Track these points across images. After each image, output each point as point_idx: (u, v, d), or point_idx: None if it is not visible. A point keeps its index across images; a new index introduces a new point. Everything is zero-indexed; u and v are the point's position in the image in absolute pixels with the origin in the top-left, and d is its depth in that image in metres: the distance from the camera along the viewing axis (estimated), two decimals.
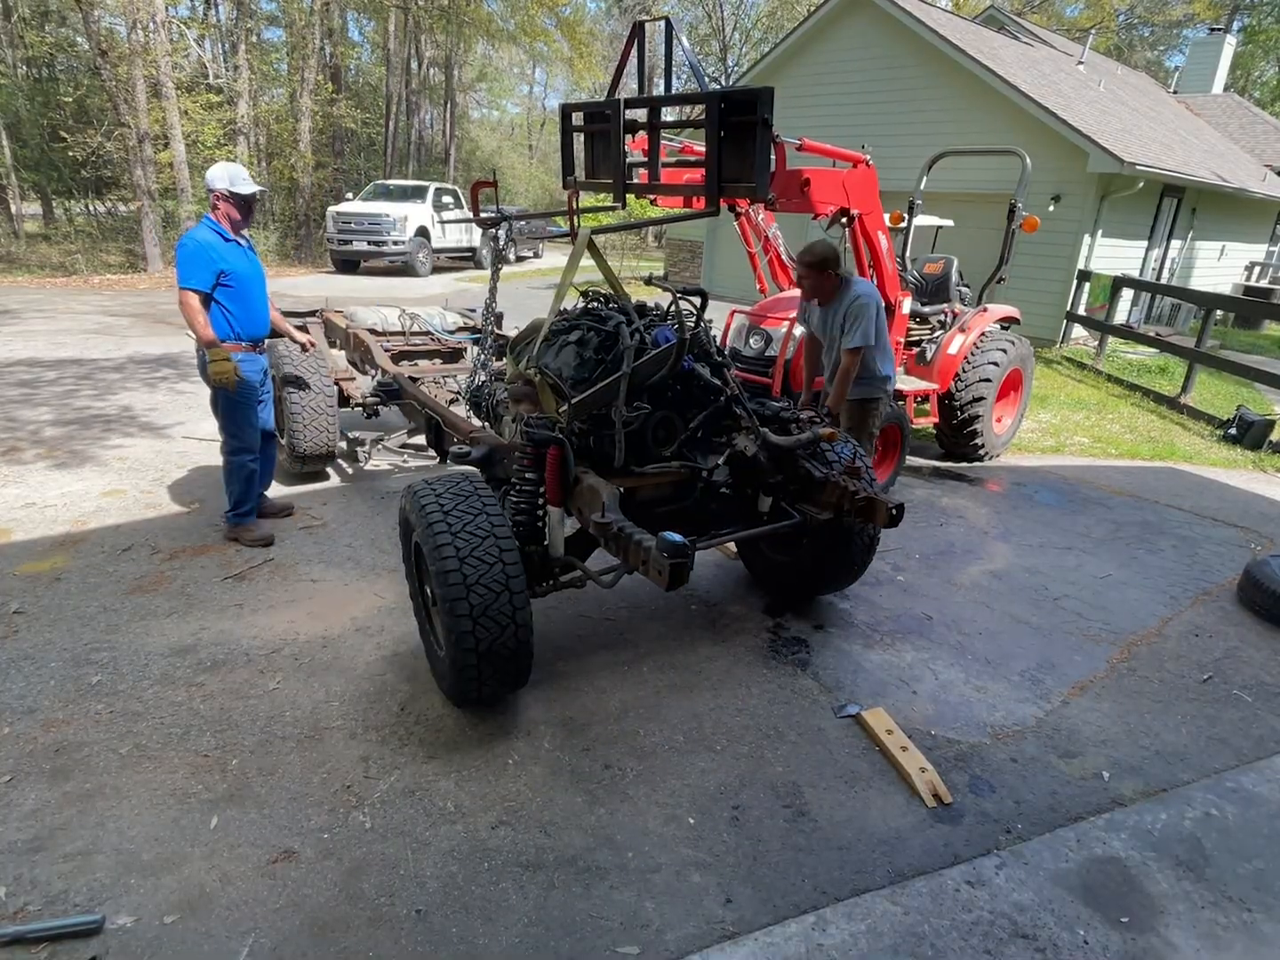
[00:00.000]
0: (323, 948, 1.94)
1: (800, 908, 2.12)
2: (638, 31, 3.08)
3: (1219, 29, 21.89)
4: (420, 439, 4.76)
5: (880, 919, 2.10)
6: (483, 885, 2.13)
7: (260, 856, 2.18)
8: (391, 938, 1.97)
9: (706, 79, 2.99)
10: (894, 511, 2.85)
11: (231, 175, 3.65)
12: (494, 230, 3.78)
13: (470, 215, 4.40)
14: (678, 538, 2.31)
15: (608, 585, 2.75)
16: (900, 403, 5.34)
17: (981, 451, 5.92)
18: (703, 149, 3.00)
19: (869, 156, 4.50)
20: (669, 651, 3.29)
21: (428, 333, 5.69)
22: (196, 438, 5.60)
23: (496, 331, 4.48)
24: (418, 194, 16.84)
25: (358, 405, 4.73)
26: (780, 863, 2.27)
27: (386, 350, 5.16)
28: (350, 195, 18.03)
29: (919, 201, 6.39)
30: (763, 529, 3.24)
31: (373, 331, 5.49)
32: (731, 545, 4.09)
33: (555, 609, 3.55)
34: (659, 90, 3.37)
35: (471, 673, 2.56)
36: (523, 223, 21.84)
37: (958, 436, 5.86)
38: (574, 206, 3.59)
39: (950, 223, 7.18)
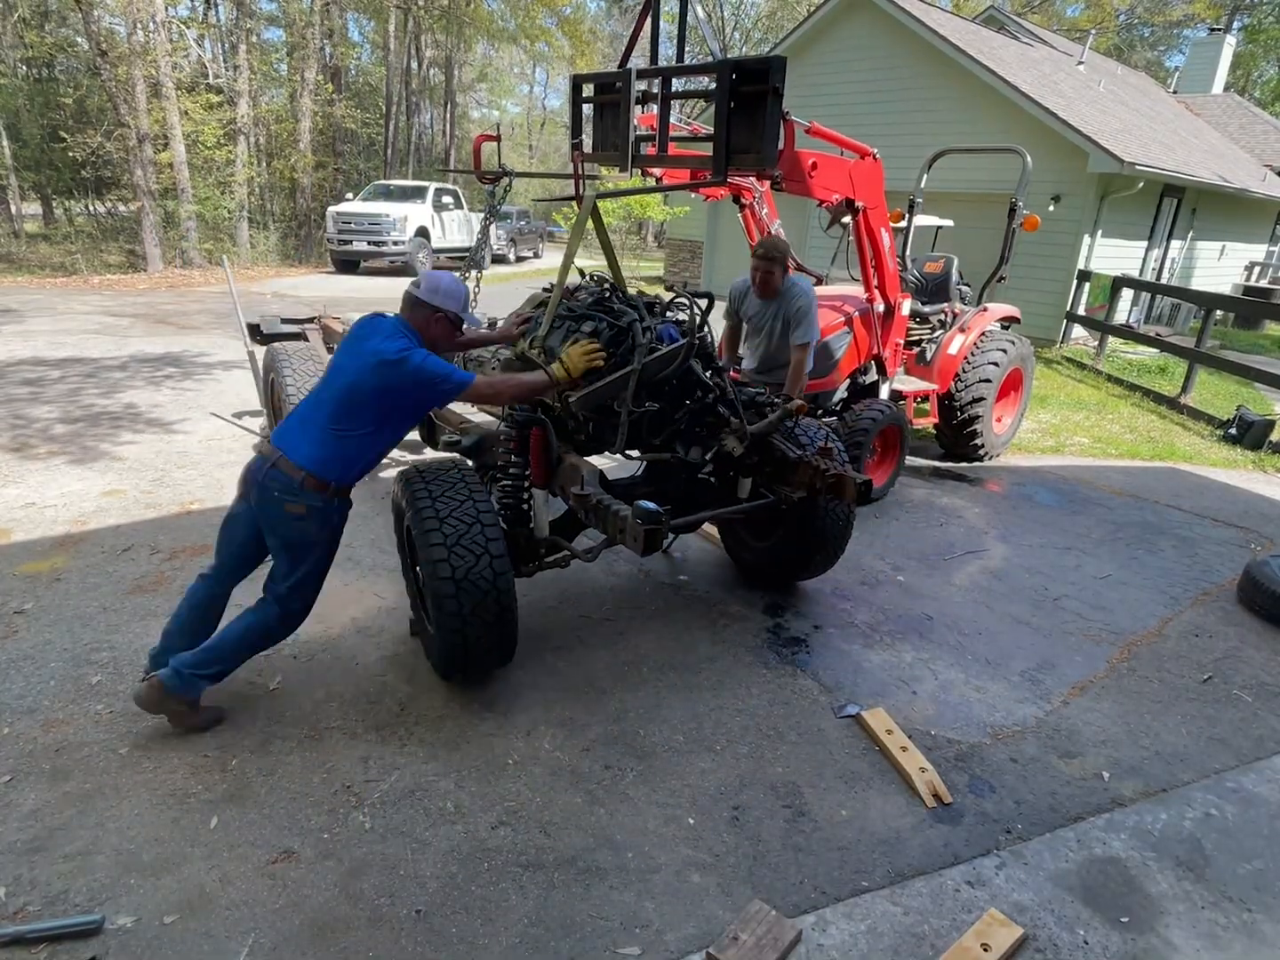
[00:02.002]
0: (323, 948, 1.94)
1: (800, 908, 2.12)
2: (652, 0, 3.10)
3: (1219, 29, 21.91)
4: (413, 435, 4.79)
5: (880, 919, 2.10)
6: (483, 885, 2.13)
7: (260, 856, 2.18)
8: (391, 938, 1.97)
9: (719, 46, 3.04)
10: (862, 486, 2.94)
11: (464, 295, 2.81)
12: (493, 186, 3.79)
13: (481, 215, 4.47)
14: (651, 506, 2.43)
15: (589, 559, 2.83)
16: (900, 403, 5.34)
17: (981, 452, 5.92)
18: (710, 130, 3.01)
19: (876, 152, 4.48)
20: (669, 651, 3.29)
21: None
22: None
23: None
24: (418, 194, 16.84)
25: None
26: (780, 863, 2.26)
27: None
28: (350, 195, 18.03)
29: (919, 200, 6.39)
30: (738, 507, 3.33)
31: None
32: (714, 530, 4.15)
33: (555, 609, 3.56)
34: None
35: (457, 639, 2.62)
36: (524, 221, 21.75)
37: (958, 436, 5.86)
38: (580, 171, 3.60)
39: (950, 222, 7.18)
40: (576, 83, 3.46)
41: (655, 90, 3.16)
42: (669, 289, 3.49)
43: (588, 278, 3.43)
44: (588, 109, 3.49)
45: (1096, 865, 2.32)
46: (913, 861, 2.29)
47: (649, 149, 3.27)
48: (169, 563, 3.77)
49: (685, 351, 2.94)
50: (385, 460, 5.21)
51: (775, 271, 4.08)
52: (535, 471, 2.95)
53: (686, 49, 3.29)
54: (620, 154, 3.20)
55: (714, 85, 2.83)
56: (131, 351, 8.17)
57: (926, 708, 3.03)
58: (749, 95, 2.71)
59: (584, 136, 3.49)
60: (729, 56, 3.45)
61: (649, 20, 3.21)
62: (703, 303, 3.16)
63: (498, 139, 3.93)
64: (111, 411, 6.10)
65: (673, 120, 3.72)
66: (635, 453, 3.23)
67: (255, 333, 5.78)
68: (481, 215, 3.93)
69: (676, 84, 3.43)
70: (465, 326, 2.84)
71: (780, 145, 2.85)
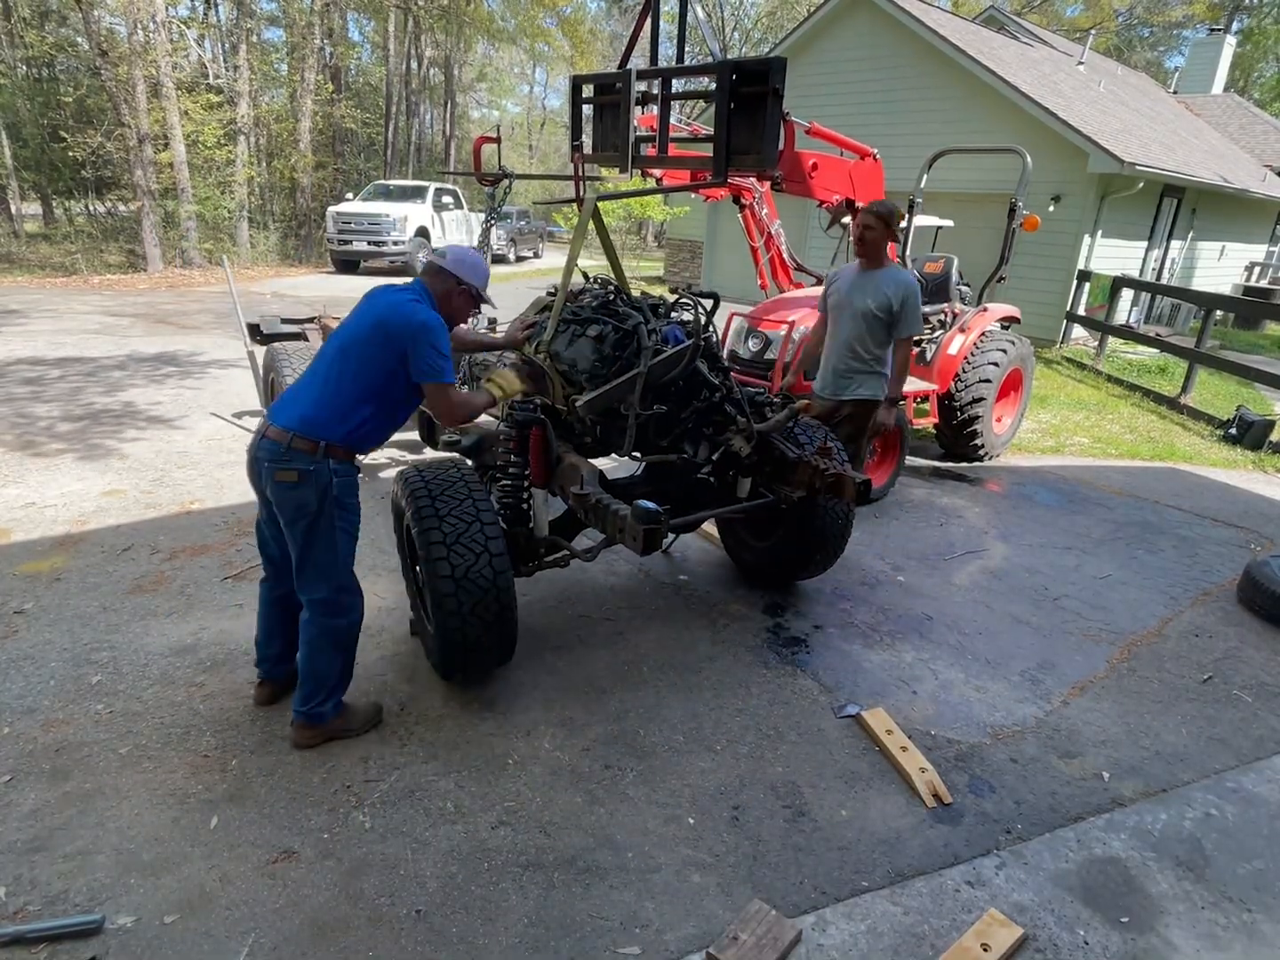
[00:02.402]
0: (323, 948, 1.93)
1: (800, 908, 2.12)
2: (652, 0, 3.10)
3: (1218, 29, 21.91)
4: (410, 434, 4.79)
5: (880, 919, 2.10)
6: (483, 885, 2.13)
7: (260, 856, 2.18)
8: (391, 938, 1.97)
9: (719, 47, 3.05)
10: (861, 486, 2.95)
11: (486, 272, 2.72)
12: (493, 188, 3.80)
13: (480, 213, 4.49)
14: (651, 505, 2.43)
15: (588, 559, 2.84)
16: (900, 403, 5.34)
17: (981, 452, 5.92)
18: (710, 130, 3.02)
19: (877, 152, 4.49)
20: (669, 651, 3.29)
21: None
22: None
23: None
24: (418, 194, 16.84)
25: None
26: (780, 863, 2.26)
27: None
28: (350, 195, 18.03)
29: (919, 200, 6.39)
30: (738, 507, 3.34)
31: None
32: (714, 530, 4.14)
33: (555, 609, 3.56)
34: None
35: (456, 637, 2.62)
36: (524, 221, 21.73)
37: (958, 437, 5.86)
38: (580, 172, 3.59)
39: (950, 223, 7.18)
40: (576, 83, 3.45)
41: (655, 91, 3.17)
42: (673, 290, 3.48)
43: (591, 280, 3.43)
44: (588, 109, 3.49)
45: (1096, 865, 2.32)
46: (913, 861, 2.29)
47: (649, 150, 3.27)
48: (169, 563, 3.77)
49: (691, 352, 2.95)
50: (384, 460, 5.25)
51: (879, 231, 3.64)
52: (535, 471, 2.95)
53: (686, 49, 3.29)
54: (620, 155, 3.20)
55: (714, 86, 2.83)
56: (131, 351, 8.17)
57: (926, 708, 3.03)
58: (749, 96, 2.71)
59: (584, 138, 3.49)
60: (729, 57, 3.45)
61: (649, 21, 3.21)
62: (708, 303, 3.17)
63: (498, 140, 3.94)
64: (112, 411, 6.10)
65: (672, 121, 3.71)
66: (641, 454, 3.23)
67: (255, 333, 5.79)
68: (482, 217, 3.93)
69: (676, 85, 3.43)
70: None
71: (780, 146, 2.86)
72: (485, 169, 4.16)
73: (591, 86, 3.44)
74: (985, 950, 1.97)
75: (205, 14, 20.83)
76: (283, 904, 2.04)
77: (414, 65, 26.57)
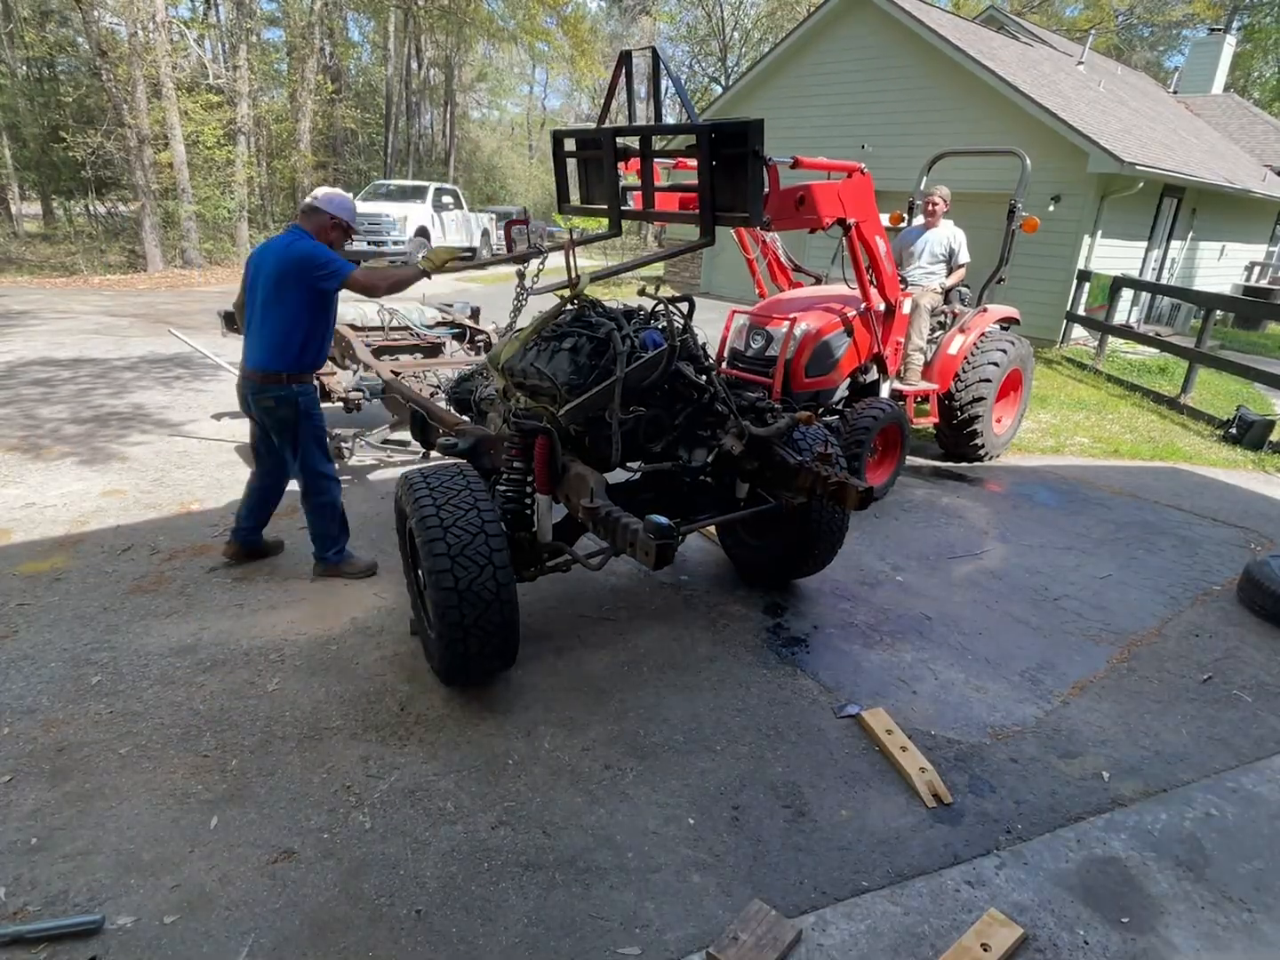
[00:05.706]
0: (323, 948, 1.94)
1: (800, 908, 2.12)
2: (625, 60, 3.11)
3: (1218, 29, 21.90)
4: (401, 434, 4.79)
5: (880, 919, 2.10)
6: (483, 885, 2.13)
7: (260, 856, 2.18)
8: (391, 938, 1.97)
9: (695, 109, 3.03)
10: (864, 494, 2.93)
11: (352, 208, 3.56)
12: (525, 266, 3.72)
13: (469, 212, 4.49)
14: (663, 520, 2.39)
15: (595, 568, 2.83)
16: (900, 403, 5.34)
17: (981, 452, 5.92)
18: (696, 164, 3.02)
19: (864, 165, 4.49)
20: (669, 651, 3.29)
21: (406, 327, 5.71)
22: (198, 436, 5.60)
23: (473, 325, 4.51)
24: (417, 194, 16.85)
25: (340, 400, 4.75)
26: (780, 863, 2.26)
27: (367, 345, 5.18)
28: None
29: (919, 202, 6.39)
30: (743, 513, 3.35)
31: (352, 327, 5.50)
32: (711, 527, 4.15)
33: (555, 609, 3.56)
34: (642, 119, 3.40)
35: (459, 647, 2.62)
36: (537, 230, 21.81)
37: (958, 437, 5.86)
38: (571, 259, 3.48)
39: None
40: (558, 138, 3.43)
41: (636, 146, 3.16)
42: (641, 293, 3.45)
43: (564, 301, 3.40)
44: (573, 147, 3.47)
45: (1096, 865, 2.32)
46: (913, 861, 2.29)
47: (635, 198, 3.28)
48: (169, 563, 3.77)
49: (668, 356, 2.96)
50: (372, 462, 5.24)
51: (939, 206, 5.83)
52: (540, 480, 2.94)
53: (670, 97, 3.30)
54: (609, 213, 3.21)
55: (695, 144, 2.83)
56: (130, 351, 8.17)
57: (926, 708, 3.03)
58: (731, 155, 2.72)
59: (572, 197, 3.48)
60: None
61: (623, 79, 3.19)
62: (684, 306, 3.18)
63: (526, 222, 4.11)
64: (109, 410, 6.10)
65: (659, 162, 3.68)
66: (637, 464, 3.23)
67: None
68: (491, 236, 3.94)
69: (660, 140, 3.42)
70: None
71: (765, 191, 2.86)
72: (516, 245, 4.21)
73: (573, 141, 3.43)
74: (985, 950, 1.97)
75: (205, 14, 20.85)
76: (283, 904, 2.04)
77: (414, 65, 26.59)
